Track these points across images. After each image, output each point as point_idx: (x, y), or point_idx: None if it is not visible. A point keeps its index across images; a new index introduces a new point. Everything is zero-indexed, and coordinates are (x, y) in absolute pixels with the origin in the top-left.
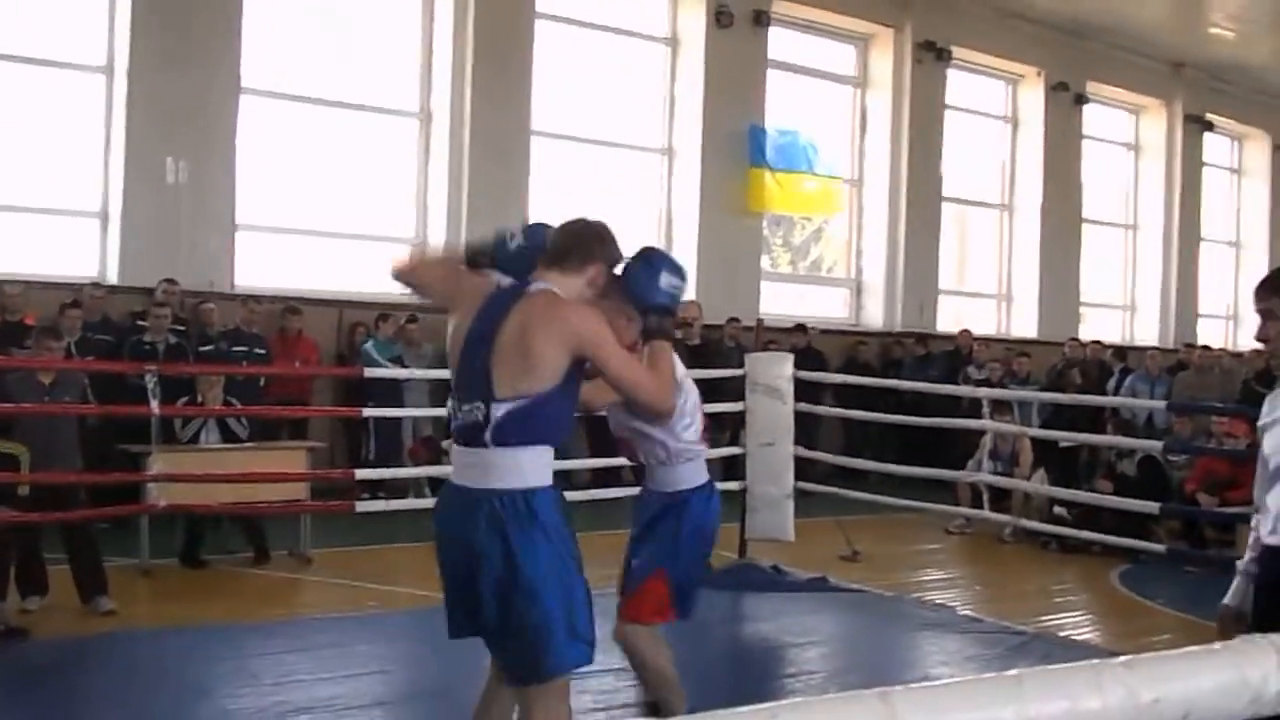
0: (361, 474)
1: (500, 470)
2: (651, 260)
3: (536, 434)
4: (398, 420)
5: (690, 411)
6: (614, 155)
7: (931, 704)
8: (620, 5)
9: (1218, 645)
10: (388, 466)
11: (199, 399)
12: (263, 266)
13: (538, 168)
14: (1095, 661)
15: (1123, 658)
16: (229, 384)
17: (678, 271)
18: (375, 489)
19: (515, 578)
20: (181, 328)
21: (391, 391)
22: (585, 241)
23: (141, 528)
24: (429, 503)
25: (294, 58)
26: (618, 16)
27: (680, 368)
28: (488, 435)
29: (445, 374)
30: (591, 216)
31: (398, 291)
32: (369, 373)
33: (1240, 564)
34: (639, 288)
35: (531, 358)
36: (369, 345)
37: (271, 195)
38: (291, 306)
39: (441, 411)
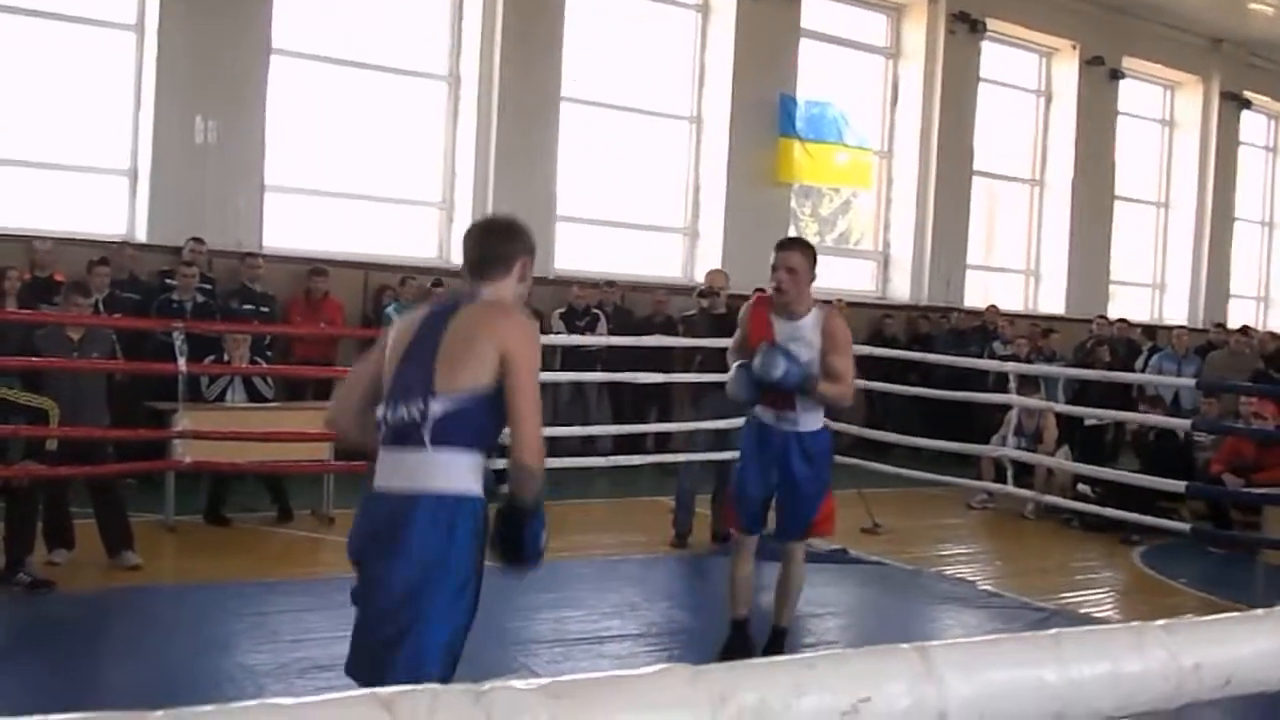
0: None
1: (436, 471)
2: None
3: (471, 437)
4: None
5: None
6: (643, 122)
7: (970, 660)
8: None
9: (1260, 612)
10: None
11: (225, 358)
12: (291, 227)
13: (566, 133)
14: (1136, 624)
15: (1163, 620)
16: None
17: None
18: None
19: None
20: (209, 285)
21: None
22: (502, 245)
23: (167, 484)
24: None
25: (324, 19)
26: None
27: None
28: (426, 434)
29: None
30: (483, 218)
31: (422, 255)
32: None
33: None
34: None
35: (472, 355)
36: (391, 308)
37: (300, 157)
38: (318, 268)
39: None
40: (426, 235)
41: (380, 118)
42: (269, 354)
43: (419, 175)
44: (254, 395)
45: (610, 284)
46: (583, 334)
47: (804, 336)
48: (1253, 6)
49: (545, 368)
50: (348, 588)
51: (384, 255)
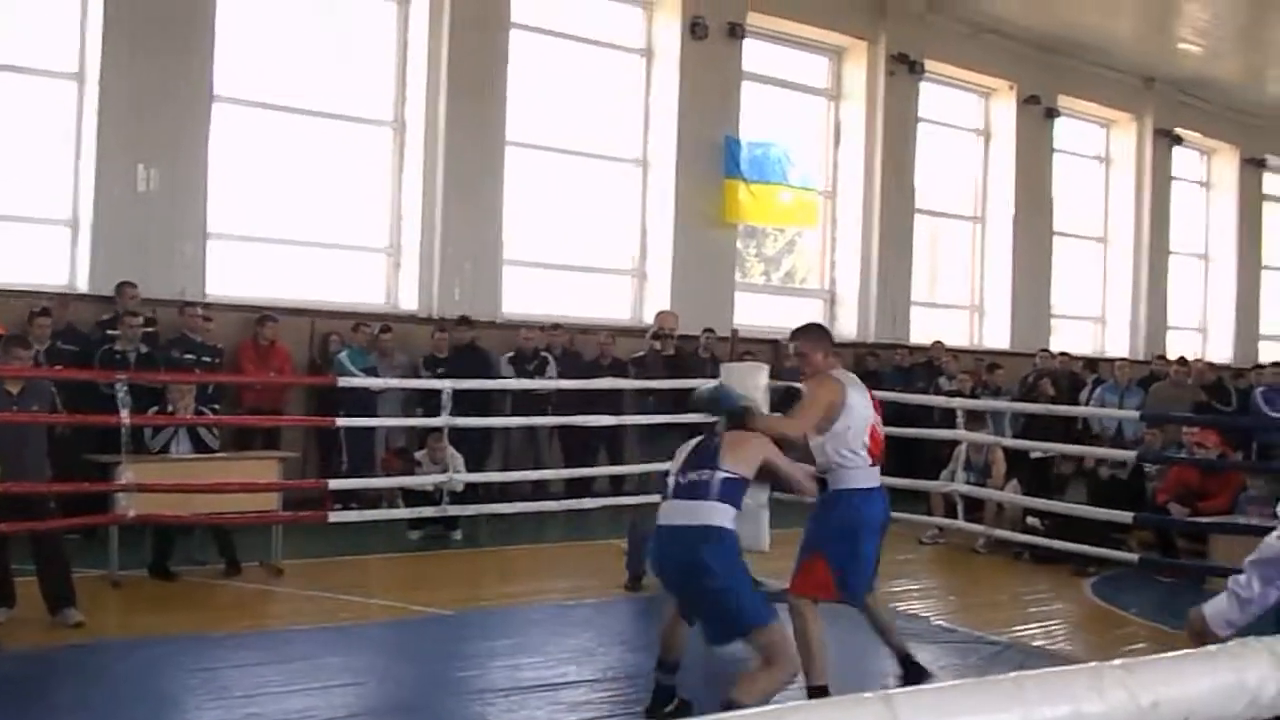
0: (335, 484)
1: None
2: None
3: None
4: (371, 430)
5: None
6: (590, 166)
7: (934, 706)
8: (595, 17)
9: (1214, 649)
10: (361, 477)
11: (169, 408)
12: (235, 275)
13: (512, 178)
14: (1095, 664)
15: (1121, 660)
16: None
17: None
18: (348, 499)
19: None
20: (151, 329)
21: (365, 401)
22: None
23: (111, 538)
24: (402, 513)
25: (268, 66)
26: (592, 28)
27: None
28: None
29: (418, 384)
30: None
31: (370, 301)
32: (343, 382)
33: (1235, 582)
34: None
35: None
36: (343, 355)
37: (244, 204)
38: (266, 315)
39: (414, 422)
40: (374, 281)
41: (325, 164)
42: (215, 405)
43: (365, 221)
44: (199, 446)
45: (557, 327)
46: (532, 377)
47: None
48: (1182, 47)
49: (494, 412)
50: (298, 640)
51: (331, 302)
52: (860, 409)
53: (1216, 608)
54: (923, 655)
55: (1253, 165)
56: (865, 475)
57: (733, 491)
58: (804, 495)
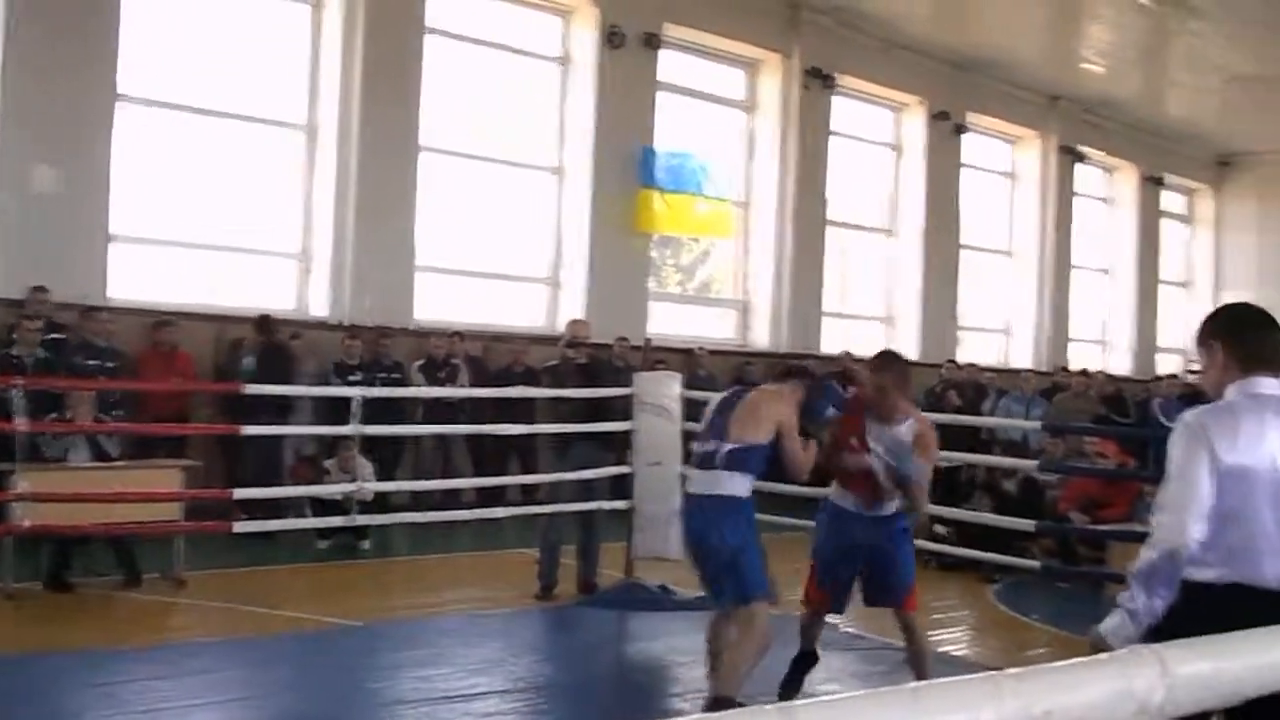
0: (240, 494)
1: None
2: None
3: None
4: (279, 439)
5: None
6: (505, 173)
7: (832, 718)
8: (512, 24)
9: (1105, 657)
10: (268, 486)
11: (68, 415)
12: (140, 279)
13: (426, 184)
14: (990, 674)
15: (1015, 670)
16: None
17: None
18: (254, 509)
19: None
20: (61, 337)
21: (273, 409)
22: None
23: (5, 550)
24: (310, 523)
25: (176, 66)
26: (509, 34)
27: None
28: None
29: (328, 392)
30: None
31: (280, 306)
32: (249, 389)
33: (1123, 598)
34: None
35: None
36: (250, 361)
37: (149, 206)
38: (164, 320)
39: (323, 430)
40: (284, 286)
41: (235, 167)
42: (116, 411)
43: (276, 225)
44: (99, 454)
45: (466, 335)
46: (443, 385)
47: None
48: (1085, 66)
49: (407, 420)
50: (201, 653)
51: (239, 307)
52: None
53: (1112, 626)
54: (832, 663)
55: (1151, 183)
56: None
57: (742, 460)
58: (795, 478)
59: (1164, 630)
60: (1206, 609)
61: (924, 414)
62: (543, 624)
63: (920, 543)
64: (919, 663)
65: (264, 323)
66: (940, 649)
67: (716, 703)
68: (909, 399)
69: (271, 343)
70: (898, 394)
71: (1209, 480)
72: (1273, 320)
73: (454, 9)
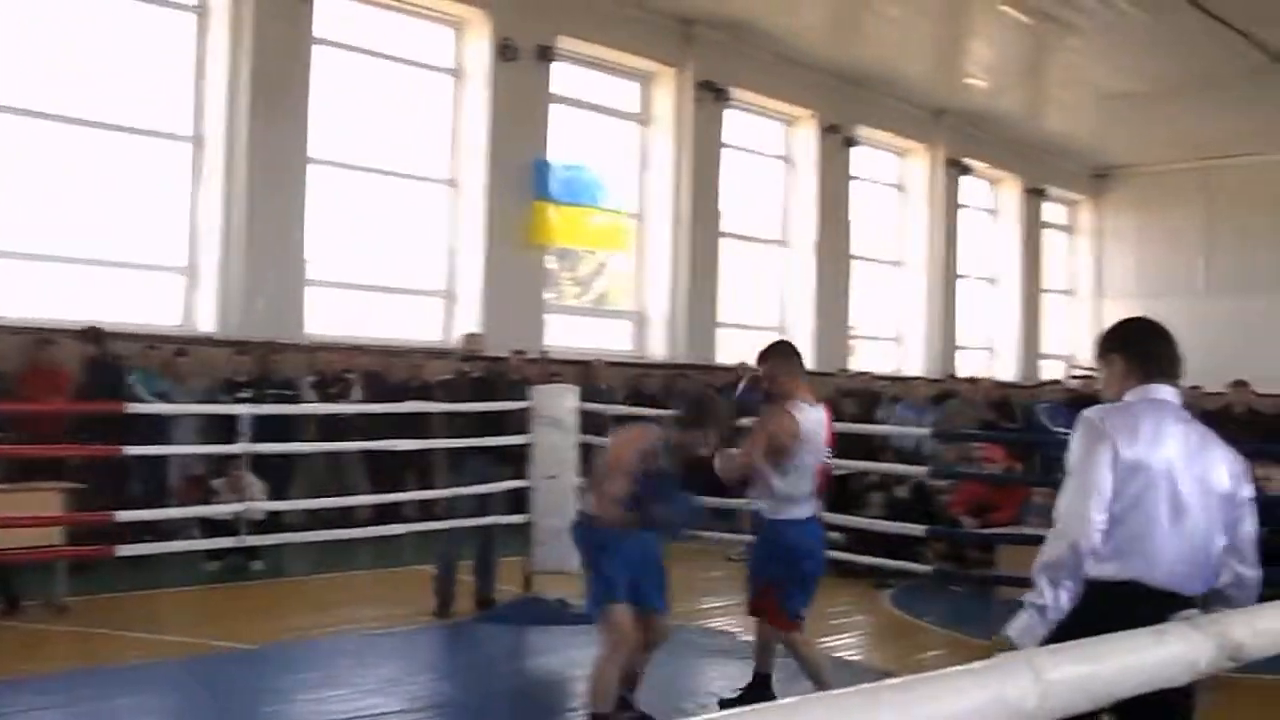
0: (123, 516)
1: None
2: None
3: None
4: (165, 459)
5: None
6: (397, 186)
7: None
8: (403, 35)
9: (979, 665)
10: (153, 508)
11: None
12: (17, 295)
13: (316, 196)
14: (870, 685)
15: (895, 680)
16: None
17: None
18: (140, 532)
19: None
20: None
21: (158, 428)
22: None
23: None
24: (199, 545)
25: (56, 75)
26: (400, 46)
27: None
28: None
29: (214, 409)
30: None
31: (165, 322)
32: (132, 408)
33: (1029, 596)
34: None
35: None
36: (134, 378)
37: (27, 220)
38: (45, 337)
39: (210, 449)
40: (170, 302)
41: (118, 179)
42: None
43: (160, 239)
44: None
45: (361, 349)
46: (335, 400)
47: None
48: (969, 81)
49: (298, 437)
50: (84, 682)
51: (122, 323)
52: (815, 442)
53: (1020, 627)
54: (729, 670)
55: (1034, 194)
56: (806, 507)
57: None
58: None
59: (1064, 628)
60: (1102, 606)
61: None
62: (441, 641)
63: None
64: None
65: (92, 334)
66: (838, 653)
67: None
68: (806, 386)
69: (100, 355)
70: (789, 380)
71: (1109, 474)
72: (1167, 333)
73: (344, 19)
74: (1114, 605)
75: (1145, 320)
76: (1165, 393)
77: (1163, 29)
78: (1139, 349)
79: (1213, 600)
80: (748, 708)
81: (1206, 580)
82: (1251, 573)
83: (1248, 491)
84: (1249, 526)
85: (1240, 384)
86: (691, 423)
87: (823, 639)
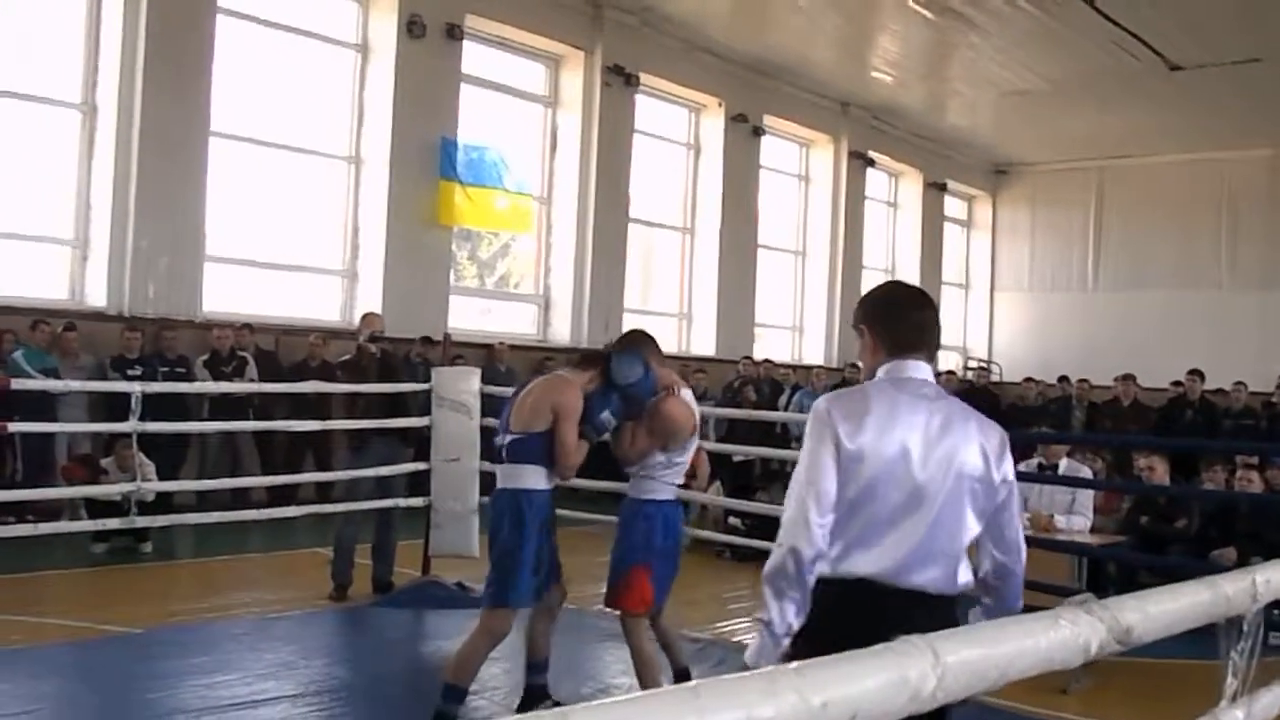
0: (5, 495)
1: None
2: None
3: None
4: (50, 437)
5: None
6: (299, 161)
7: (610, 718)
8: (308, 8)
9: (879, 647)
10: (37, 487)
11: None
12: None
13: (215, 170)
14: (770, 669)
15: (795, 664)
16: None
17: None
18: (22, 511)
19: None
20: None
21: (43, 405)
22: (592, 357)
23: None
24: (85, 526)
25: None
26: (306, 19)
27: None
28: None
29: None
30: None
31: (53, 296)
32: (16, 384)
33: (759, 614)
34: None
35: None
36: (18, 354)
37: None
38: None
39: (98, 427)
40: (58, 275)
41: (3, 147)
42: None
43: (48, 210)
44: None
45: (249, 328)
46: (229, 379)
47: None
48: (874, 75)
49: (191, 416)
50: None
51: (6, 297)
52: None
53: (754, 650)
54: (628, 655)
55: (934, 189)
56: (671, 489)
57: (523, 450)
58: (561, 473)
59: (803, 636)
60: (836, 609)
61: (681, 395)
62: (336, 625)
63: (714, 534)
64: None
65: None
66: (735, 638)
67: (447, 689)
68: (666, 373)
69: None
70: (663, 367)
71: (832, 469)
72: (922, 301)
73: None
74: (848, 606)
75: (899, 286)
76: (914, 369)
77: (1064, 31)
78: (886, 320)
79: (975, 593)
80: (647, 692)
81: (952, 573)
82: (1009, 559)
83: (1006, 471)
84: (1011, 510)
85: (1127, 378)
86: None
87: (721, 623)
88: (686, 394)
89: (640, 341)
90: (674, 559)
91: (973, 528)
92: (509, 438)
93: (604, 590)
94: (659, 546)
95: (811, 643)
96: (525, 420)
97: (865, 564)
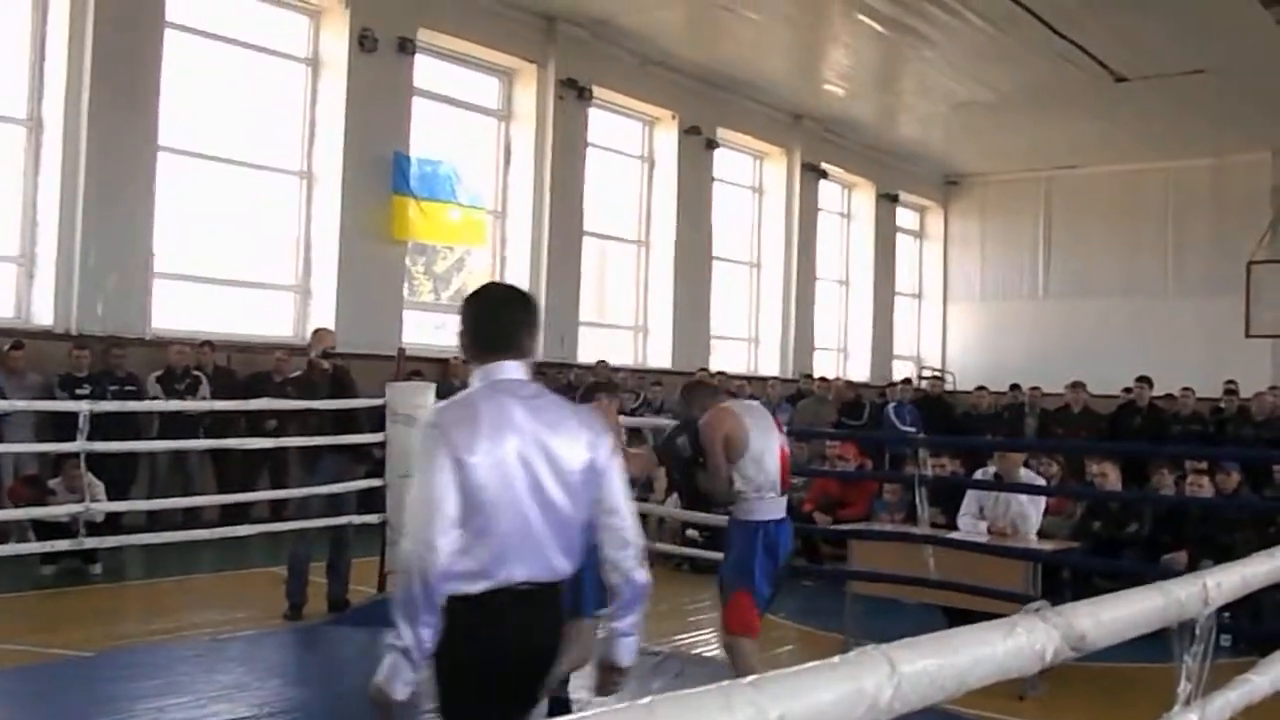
0: None
1: None
2: None
3: None
4: None
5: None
6: (251, 177)
7: None
8: (259, 22)
9: (836, 659)
10: None
11: None
12: None
13: (165, 185)
14: (725, 683)
15: (750, 677)
16: None
17: None
18: None
19: None
20: None
21: None
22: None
23: None
24: (33, 548)
25: None
26: (256, 33)
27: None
28: None
29: (50, 406)
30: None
31: None
32: None
33: (390, 637)
34: None
35: None
36: None
37: None
38: None
39: (45, 447)
40: (3, 293)
41: None
42: None
43: None
44: None
45: (208, 344)
46: (183, 397)
47: None
48: (826, 87)
49: (142, 435)
50: None
51: None
52: (762, 436)
53: (386, 672)
54: (584, 668)
55: (886, 200)
56: (767, 505)
57: None
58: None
59: (440, 654)
60: (471, 621)
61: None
62: (291, 645)
63: (672, 547)
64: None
65: None
66: (695, 650)
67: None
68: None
69: None
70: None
71: (452, 486)
72: (513, 301)
73: (198, 3)
74: (483, 617)
75: (493, 287)
76: (508, 370)
77: (1012, 44)
78: (476, 322)
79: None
80: (605, 708)
81: (572, 564)
82: (616, 531)
83: (603, 458)
84: (614, 495)
85: (1077, 385)
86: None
87: (680, 636)
88: (733, 402)
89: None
90: (773, 577)
91: (586, 516)
92: None
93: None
94: (759, 567)
95: (451, 660)
96: None
97: (505, 574)
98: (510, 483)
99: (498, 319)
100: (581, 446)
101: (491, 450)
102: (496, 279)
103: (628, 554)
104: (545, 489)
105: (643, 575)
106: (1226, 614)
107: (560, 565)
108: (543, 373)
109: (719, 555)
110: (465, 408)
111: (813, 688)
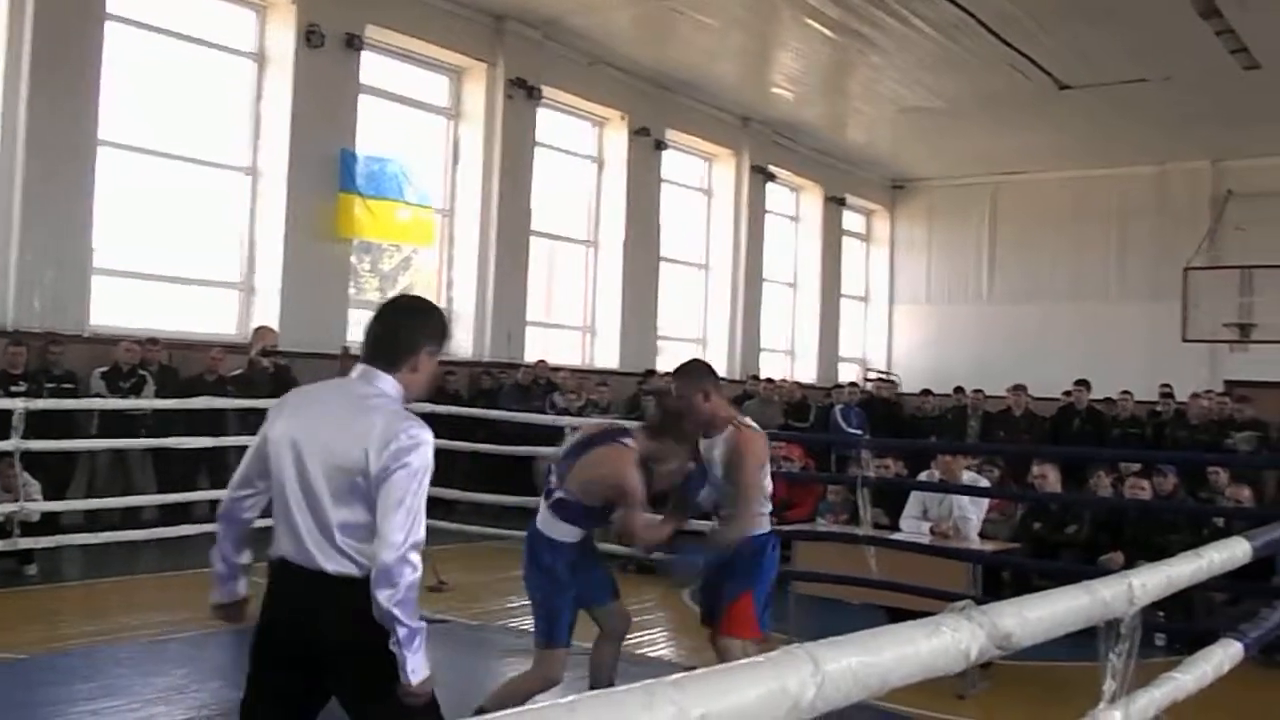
0: None
1: None
2: None
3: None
4: None
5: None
6: (194, 172)
7: None
8: (203, 16)
9: (760, 658)
10: None
11: None
12: None
13: (105, 180)
14: (649, 682)
15: (674, 676)
16: None
17: None
18: None
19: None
20: None
21: None
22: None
23: None
24: None
25: None
26: (201, 27)
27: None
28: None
29: None
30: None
31: None
32: None
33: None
34: None
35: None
36: None
37: None
38: None
39: None
40: None
41: None
42: None
43: None
44: None
45: (154, 342)
46: (127, 395)
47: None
48: (775, 91)
49: (80, 434)
50: None
51: None
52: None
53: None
54: (525, 668)
55: (834, 203)
56: (768, 519)
57: (565, 511)
58: (643, 550)
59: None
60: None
61: (747, 422)
62: (230, 646)
63: (615, 548)
64: None
65: None
66: (639, 650)
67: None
68: (725, 407)
69: None
70: (708, 405)
71: (253, 451)
72: (383, 312)
73: None
74: (271, 580)
75: (388, 300)
76: (362, 373)
77: (958, 50)
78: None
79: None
80: (519, 709)
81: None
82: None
83: (379, 470)
84: (382, 514)
85: (1019, 388)
86: (662, 433)
87: (626, 637)
88: (748, 419)
89: (697, 372)
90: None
91: (362, 521)
92: (559, 492)
93: (513, 606)
94: (765, 574)
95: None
96: (579, 486)
97: (278, 544)
98: (280, 462)
99: (370, 330)
100: (359, 452)
101: (283, 430)
102: (444, 278)
103: (376, 574)
104: (310, 479)
105: (383, 597)
106: (1161, 614)
107: (317, 559)
108: (488, 372)
109: (665, 555)
110: (295, 394)
111: (736, 686)
